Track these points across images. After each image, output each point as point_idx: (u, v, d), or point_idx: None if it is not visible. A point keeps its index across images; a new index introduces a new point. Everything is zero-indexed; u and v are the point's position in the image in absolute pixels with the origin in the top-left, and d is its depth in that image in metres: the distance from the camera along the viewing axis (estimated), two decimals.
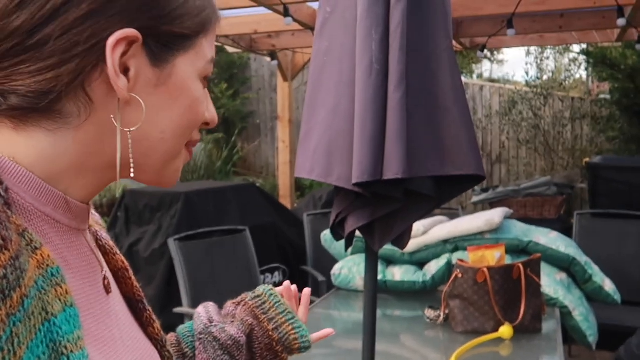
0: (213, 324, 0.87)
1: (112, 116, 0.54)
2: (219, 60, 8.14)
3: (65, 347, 0.46)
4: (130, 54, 0.53)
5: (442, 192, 1.52)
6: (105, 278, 0.60)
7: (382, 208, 1.46)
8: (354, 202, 1.48)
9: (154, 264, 3.41)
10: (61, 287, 0.49)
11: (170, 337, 0.88)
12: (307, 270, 3.93)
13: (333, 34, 1.55)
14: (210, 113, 0.63)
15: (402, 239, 1.52)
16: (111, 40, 0.51)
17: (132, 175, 0.57)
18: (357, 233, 1.54)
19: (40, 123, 0.52)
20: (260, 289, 0.94)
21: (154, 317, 0.70)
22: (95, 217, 0.72)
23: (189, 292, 3.04)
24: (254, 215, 3.96)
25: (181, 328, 0.91)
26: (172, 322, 3.28)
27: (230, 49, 5.23)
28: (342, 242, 1.59)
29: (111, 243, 0.69)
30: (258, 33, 4.66)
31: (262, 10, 4.02)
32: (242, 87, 8.61)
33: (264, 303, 0.91)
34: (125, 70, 0.53)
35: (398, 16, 1.40)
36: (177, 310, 3.02)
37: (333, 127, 1.50)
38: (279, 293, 0.94)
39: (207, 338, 0.85)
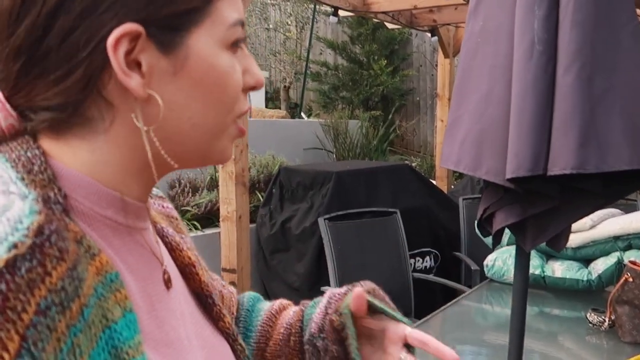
0: (321, 335, 0.76)
1: (133, 115, 0.51)
2: (379, 37, 8.06)
3: (127, 353, 0.46)
4: (138, 49, 0.49)
5: (611, 189, 1.33)
6: (165, 272, 0.59)
7: (536, 205, 1.31)
8: (503, 197, 1.35)
9: (305, 241, 3.48)
10: (120, 293, 0.48)
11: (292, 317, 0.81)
12: (459, 257, 3.78)
13: (489, 12, 1.41)
14: (252, 76, 0.58)
15: (558, 240, 1.36)
16: (110, 40, 0.48)
17: (175, 165, 0.54)
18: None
19: (72, 130, 0.51)
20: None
21: (224, 311, 0.69)
22: (166, 211, 0.72)
23: (337, 272, 3.06)
24: (406, 197, 3.87)
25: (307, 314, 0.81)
26: None
27: (389, 25, 5.13)
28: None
29: (177, 239, 0.68)
30: (418, 8, 4.51)
31: None
32: (403, 64, 8.46)
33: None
34: (138, 67, 0.50)
35: None
36: (324, 289, 3.05)
37: (485, 115, 1.37)
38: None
39: (310, 349, 0.78)
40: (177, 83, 0.52)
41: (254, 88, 0.59)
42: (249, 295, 0.89)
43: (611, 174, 1.27)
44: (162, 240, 0.66)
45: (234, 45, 0.55)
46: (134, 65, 0.49)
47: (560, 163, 1.20)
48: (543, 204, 1.31)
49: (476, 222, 1.45)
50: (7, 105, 0.51)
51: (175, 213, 0.74)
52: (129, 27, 0.48)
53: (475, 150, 1.38)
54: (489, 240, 2.94)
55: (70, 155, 0.52)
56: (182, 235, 0.71)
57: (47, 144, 0.52)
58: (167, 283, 0.59)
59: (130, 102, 0.51)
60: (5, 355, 0.38)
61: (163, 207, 0.73)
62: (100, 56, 0.48)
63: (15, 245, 0.41)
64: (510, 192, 1.33)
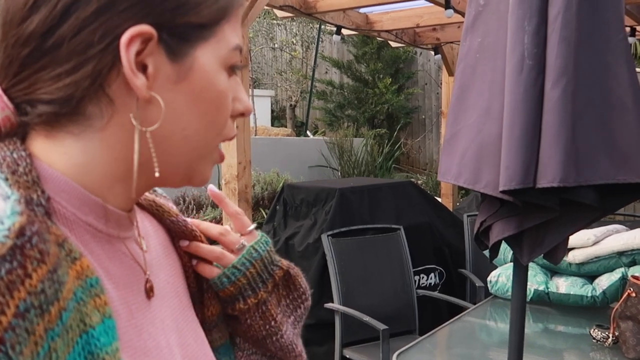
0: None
1: (131, 115, 0.51)
2: (384, 55, 8.11)
3: (104, 359, 0.45)
4: (147, 51, 0.50)
5: (607, 201, 1.33)
6: (147, 281, 0.59)
7: (532, 218, 1.31)
8: (499, 210, 1.35)
9: (308, 258, 3.47)
10: (100, 298, 0.48)
11: None
12: (464, 273, 3.77)
13: (486, 29, 1.43)
14: (242, 103, 0.59)
15: (555, 253, 1.36)
16: (124, 38, 0.49)
17: (156, 174, 0.54)
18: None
19: (67, 128, 0.51)
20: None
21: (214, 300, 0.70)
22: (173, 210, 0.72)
23: (340, 289, 3.05)
24: (410, 213, 3.86)
25: None
26: (323, 317, 3.33)
27: (393, 44, 5.17)
28: (502, 246, 1.47)
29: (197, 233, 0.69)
30: (420, 27, 4.55)
31: (423, 3, 3.91)
32: (408, 82, 8.51)
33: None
34: (143, 68, 0.51)
35: (558, 5, 1.25)
36: (328, 305, 3.05)
37: (484, 130, 1.38)
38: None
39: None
40: (177, 91, 0.52)
41: (242, 115, 0.60)
42: None
43: (607, 186, 1.28)
44: (179, 234, 0.68)
45: (230, 69, 0.56)
46: (140, 66, 0.50)
47: (548, 176, 1.21)
48: (539, 217, 1.31)
49: (473, 235, 1.45)
50: (5, 98, 0.51)
51: (178, 212, 0.75)
52: (144, 28, 0.49)
53: (475, 165, 1.39)
54: None
55: (61, 155, 0.52)
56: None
57: (38, 142, 0.52)
58: (149, 292, 0.58)
59: (130, 102, 0.51)
60: None
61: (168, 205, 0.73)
62: (112, 53, 0.49)
63: None
64: (506, 204, 1.33)
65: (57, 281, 0.43)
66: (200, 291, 0.71)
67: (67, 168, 0.52)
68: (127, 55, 0.49)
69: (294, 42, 9.33)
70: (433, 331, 2.42)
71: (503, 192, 1.28)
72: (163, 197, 0.73)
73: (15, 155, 0.49)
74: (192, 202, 4.07)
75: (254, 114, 6.89)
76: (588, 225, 1.40)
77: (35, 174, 0.49)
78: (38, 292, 0.41)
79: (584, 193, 1.28)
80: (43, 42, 0.49)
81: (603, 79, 1.24)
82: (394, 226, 3.39)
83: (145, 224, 0.65)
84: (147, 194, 0.68)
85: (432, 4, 3.80)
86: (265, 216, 4.13)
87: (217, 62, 0.54)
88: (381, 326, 2.74)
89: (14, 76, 0.51)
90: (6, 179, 0.47)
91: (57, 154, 0.52)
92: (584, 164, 1.21)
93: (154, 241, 0.65)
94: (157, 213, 0.68)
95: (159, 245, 0.66)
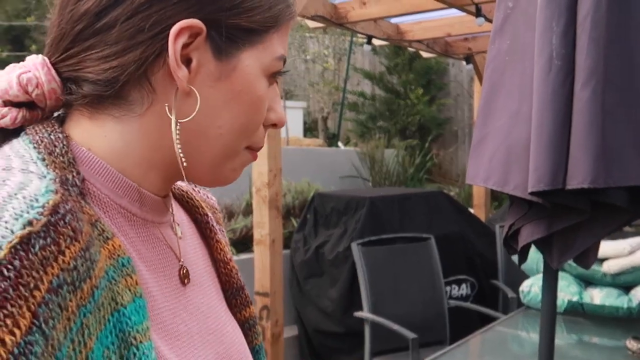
0: None
1: (166, 105, 0.52)
2: (416, 66, 8.09)
3: (135, 338, 0.46)
4: (194, 45, 0.52)
5: (639, 203, 1.31)
6: (182, 268, 0.59)
7: (562, 220, 1.29)
8: (527, 213, 1.34)
9: (338, 266, 3.47)
10: (131, 278, 0.48)
11: None
12: (497, 284, 3.71)
13: (515, 31, 1.42)
14: (276, 113, 0.59)
15: (586, 257, 1.34)
16: (174, 29, 0.50)
17: (184, 164, 0.54)
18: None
19: (109, 110, 0.53)
20: None
21: (249, 299, 0.70)
22: (210, 202, 0.73)
23: (369, 298, 3.03)
24: (441, 223, 3.83)
25: None
26: (352, 326, 3.32)
27: (425, 54, 5.16)
28: (534, 255, 1.44)
29: (220, 234, 0.69)
30: (452, 36, 4.53)
31: (455, 12, 3.90)
32: (440, 93, 8.46)
33: None
34: (187, 62, 0.52)
35: (587, 5, 1.24)
36: (357, 314, 3.03)
37: (513, 133, 1.37)
38: None
39: None
40: (217, 89, 0.54)
41: (274, 125, 0.60)
42: None
43: (638, 188, 1.25)
44: (204, 231, 0.68)
45: (271, 77, 0.57)
46: (185, 59, 0.52)
47: (578, 177, 1.19)
48: (569, 219, 1.29)
49: (502, 239, 1.44)
50: (53, 71, 0.53)
51: (217, 205, 0.76)
52: (195, 22, 0.51)
53: (504, 167, 1.38)
54: (525, 266, 2.88)
55: (101, 137, 0.53)
56: (222, 228, 0.73)
57: (80, 123, 0.54)
58: (183, 279, 0.59)
59: (170, 92, 0.52)
60: (17, 332, 0.37)
61: (207, 197, 0.74)
62: (160, 42, 0.51)
63: (30, 223, 0.41)
64: (534, 207, 1.32)
65: (90, 259, 0.44)
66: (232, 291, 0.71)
67: (106, 151, 0.53)
68: (174, 46, 0.50)
69: (326, 54, 9.38)
70: (463, 340, 2.39)
71: (532, 193, 1.27)
72: (203, 188, 0.74)
73: (52, 137, 0.51)
74: (223, 210, 4.11)
75: (286, 125, 6.93)
76: (620, 228, 1.37)
77: (71, 156, 0.51)
78: (71, 269, 0.42)
79: (615, 195, 1.26)
80: (96, 21, 0.51)
81: (633, 79, 1.23)
82: (424, 235, 3.37)
83: (180, 212, 0.66)
84: (184, 185, 0.70)
85: (463, 13, 3.79)
86: (295, 225, 4.14)
87: (259, 68, 0.55)
88: (411, 335, 2.71)
89: (64, 51, 0.53)
90: (43, 159, 0.49)
91: (97, 136, 0.53)
92: (614, 165, 1.19)
93: (188, 230, 0.66)
94: (187, 205, 0.69)
95: (193, 235, 0.67)
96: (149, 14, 0.50)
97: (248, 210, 4.22)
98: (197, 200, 0.69)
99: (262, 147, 0.61)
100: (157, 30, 0.51)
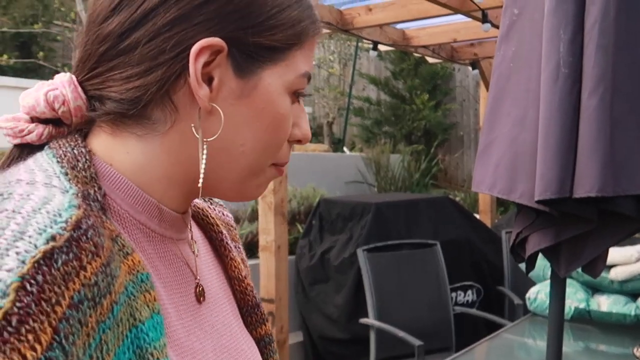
0: None
1: (192, 125, 0.53)
2: (421, 72, 8.09)
3: (152, 354, 0.46)
4: (215, 63, 0.52)
5: None
6: (198, 286, 0.59)
7: (570, 229, 1.29)
8: (535, 221, 1.33)
9: (344, 272, 3.46)
10: (150, 294, 0.49)
11: None
12: (503, 291, 3.70)
13: (521, 37, 1.42)
14: (301, 130, 0.59)
15: (594, 266, 1.33)
16: (194, 49, 0.50)
17: (199, 184, 0.54)
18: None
19: (132, 128, 0.53)
20: None
21: (264, 316, 0.70)
22: (225, 219, 0.72)
23: (375, 304, 3.03)
24: (447, 229, 3.82)
25: None
26: (358, 332, 3.31)
27: (430, 60, 5.16)
28: (541, 262, 1.43)
29: (234, 252, 0.69)
30: (458, 42, 4.53)
31: (461, 17, 3.90)
32: (446, 98, 8.45)
33: None
34: (209, 80, 0.52)
35: (595, 13, 1.23)
36: (363, 320, 3.03)
37: (519, 140, 1.37)
38: None
39: None
40: (239, 106, 0.54)
41: (299, 141, 0.60)
42: None
43: None
44: (219, 249, 0.68)
45: (295, 95, 0.57)
46: (206, 78, 0.52)
47: (585, 185, 1.19)
48: (577, 228, 1.28)
49: (509, 247, 1.43)
50: (79, 89, 0.54)
51: (233, 222, 0.76)
52: (215, 41, 0.51)
53: (510, 174, 1.37)
54: (532, 273, 2.87)
55: (123, 154, 0.54)
56: (238, 245, 0.73)
57: (102, 139, 0.54)
58: (199, 297, 0.59)
59: (193, 111, 0.53)
60: (38, 347, 0.37)
61: (223, 214, 0.74)
62: (181, 62, 0.51)
63: (53, 238, 0.41)
64: (542, 215, 1.31)
65: (110, 274, 0.44)
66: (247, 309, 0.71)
67: (127, 167, 0.53)
68: (194, 65, 0.51)
69: (332, 59, 9.39)
70: (469, 347, 2.38)
71: (539, 202, 1.26)
72: (219, 206, 0.74)
73: (75, 152, 0.52)
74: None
75: None
76: (628, 237, 1.36)
77: (94, 170, 0.51)
78: (92, 285, 0.42)
79: (623, 203, 1.25)
80: (119, 42, 0.52)
81: None
82: (430, 241, 3.36)
83: (195, 230, 0.66)
84: (200, 202, 0.70)
85: (469, 19, 3.78)
86: (301, 231, 4.14)
87: (282, 86, 0.55)
88: (416, 342, 2.70)
89: (90, 71, 0.53)
90: (66, 174, 0.49)
91: (119, 152, 0.54)
92: (622, 173, 1.19)
93: (203, 248, 0.65)
94: (202, 223, 0.69)
95: (208, 253, 0.67)
96: (170, 35, 0.51)
97: (253, 217, 4.22)
98: (213, 218, 0.69)
99: (287, 162, 0.60)
100: (178, 50, 0.51)
